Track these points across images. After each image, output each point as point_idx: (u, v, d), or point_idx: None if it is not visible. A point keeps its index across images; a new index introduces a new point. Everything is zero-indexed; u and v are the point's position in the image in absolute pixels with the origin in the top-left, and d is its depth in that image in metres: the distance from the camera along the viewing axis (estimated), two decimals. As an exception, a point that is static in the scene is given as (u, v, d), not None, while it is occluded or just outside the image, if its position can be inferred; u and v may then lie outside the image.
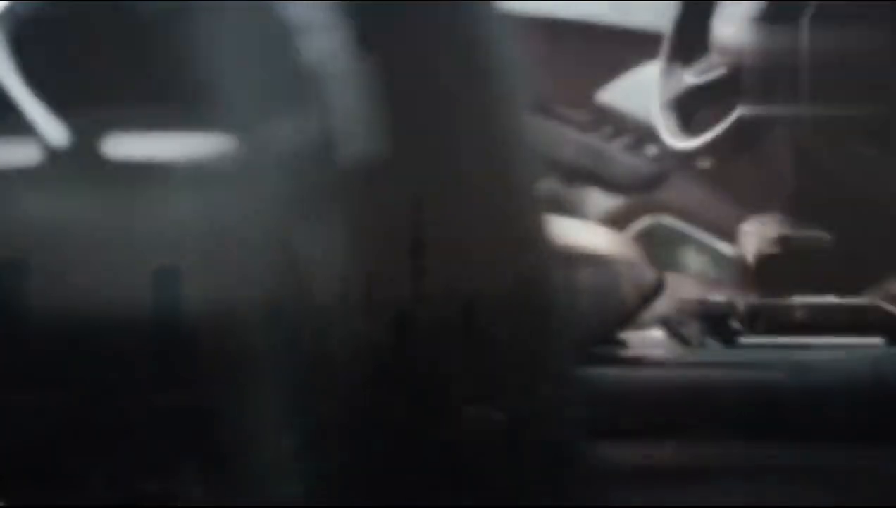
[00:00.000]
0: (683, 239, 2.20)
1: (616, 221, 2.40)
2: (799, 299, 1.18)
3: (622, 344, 1.04)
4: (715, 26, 1.48)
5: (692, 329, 1.09)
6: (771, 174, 2.13)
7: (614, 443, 1.01)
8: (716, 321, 1.13)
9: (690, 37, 1.57)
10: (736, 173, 2.20)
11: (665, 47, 1.58)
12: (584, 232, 1.08)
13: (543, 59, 2.58)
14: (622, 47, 2.37)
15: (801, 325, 1.14)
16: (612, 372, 1.01)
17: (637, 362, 1.02)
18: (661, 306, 1.16)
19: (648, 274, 1.01)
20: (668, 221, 2.28)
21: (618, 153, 2.40)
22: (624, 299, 1.00)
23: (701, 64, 1.54)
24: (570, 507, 1.01)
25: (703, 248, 2.11)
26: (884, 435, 1.02)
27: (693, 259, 2.19)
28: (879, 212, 2.00)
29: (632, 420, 1.01)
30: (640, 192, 2.35)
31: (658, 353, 1.04)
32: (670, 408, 1.01)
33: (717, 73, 1.51)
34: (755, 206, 2.15)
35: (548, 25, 2.55)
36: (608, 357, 1.02)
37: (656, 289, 1.02)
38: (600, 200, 2.50)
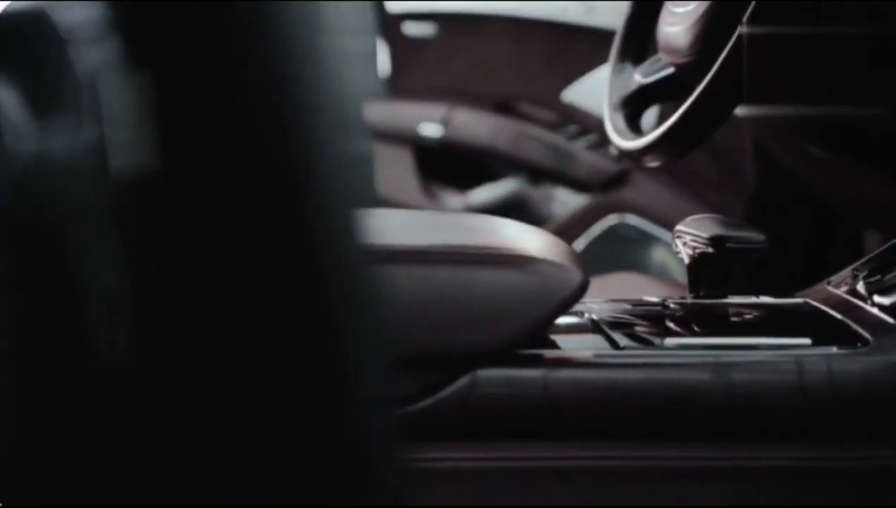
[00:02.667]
0: (647, 238, 2.20)
1: (581, 220, 2.41)
2: (732, 299, 1.18)
3: (548, 345, 1.04)
4: (661, 26, 1.48)
5: (621, 330, 1.09)
6: (733, 174, 2.14)
7: (540, 444, 1.02)
8: (648, 321, 1.13)
9: (639, 36, 1.57)
10: (700, 172, 2.21)
11: (615, 47, 1.58)
12: (512, 232, 1.08)
13: (510, 58, 2.59)
14: (587, 47, 2.38)
15: (733, 325, 1.14)
16: (536, 373, 1.00)
17: (561, 363, 1.02)
18: (594, 306, 1.16)
19: (574, 275, 1.01)
20: (634, 220, 2.29)
21: (582, 152, 2.41)
22: (547, 300, 1.00)
23: (649, 64, 1.53)
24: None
25: (666, 247, 2.12)
26: (807, 435, 1.02)
27: (656, 258, 2.20)
28: (825, 212, 2.00)
29: (554, 422, 1.01)
30: (604, 191, 2.36)
31: (584, 354, 1.04)
32: (593, 409, 1.01)
33: (665, 72, 1.51)
34: (719, 204, 2.15)
35: (513, 25, 2.56)
36: (532, 358, 1.01)
37: (580, 291, 1.01)
38: (568, 198, 2.51)
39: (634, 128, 1.50)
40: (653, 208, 2.21)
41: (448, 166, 2.72)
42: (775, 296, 1.22)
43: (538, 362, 1.01)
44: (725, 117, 1.34)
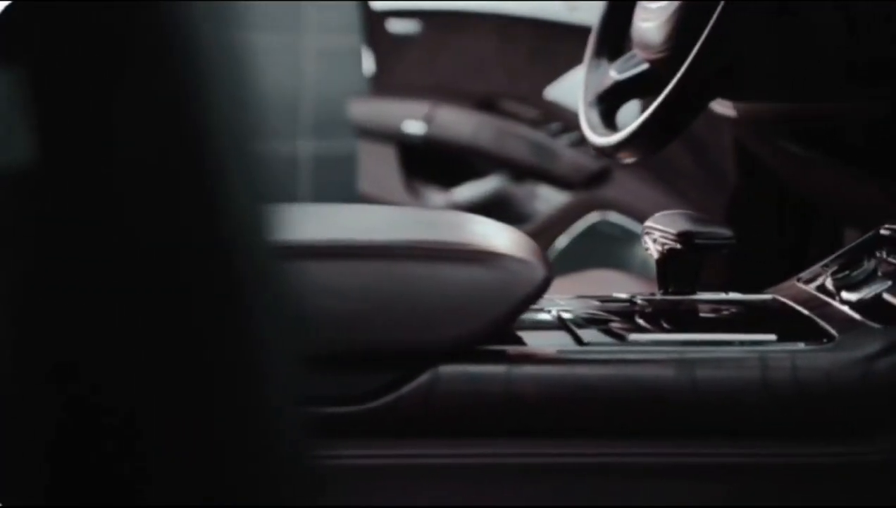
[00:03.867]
0: (629, 236, 2.20)
1: (563, 217, 2.41)
2: (700, 296, 1.18)
3: (512, 341, 1.04)
4: (636, 22, 1.48)
5: (587, 326, 1.09)
6: (714, 171, 2.13)
7: (502, 441, 1.01)
8: (615, 318, 1.13)
9: (615, 33, 1.57)
10: (681, 170, 2.21)
11: (591, 43, 1.58)
12: (476, 228, 1.08)
13: (494, 56, 2.59)
14: (571, 44, 2.37)
15: (700, 321, 1.14)
16: (498, 369, 1.00)
17: (524, 359, 1.02)
18: (562, 303, 1.16)
19: (537, 271, 1.00)
20: (616, 217, 2.28)
21: (564, 150, 2.40)
22: (509, 296, 1.00)
23: (624, 60, 1.53)
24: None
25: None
26: (771, 431, 1.02)
27: (638, 256, 2.19)
28: (805, 209, 2.00)
29: (516, 418, 1.00)
30: (586, 188, 2.36)
31: (547, 350, 1.03)
32: (556, 406, 1.01)
33: (640, 68, 1.51)
34: (700, 201, 2.15)
35: (498, 22, 2.55)
36: (494, 354, 1.01)
37: (543, 287, 1.01)
38: (551, 196, 2.50)
39: (609, 124, 1.49)
40: (634, 206, 2.20)
41: (432, 164, 2.71)
42: (748, 292, 1.21)
43: (500, 358, 1.01)
44: (698, 113, 1.33)
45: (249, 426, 0.39)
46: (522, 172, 2.54)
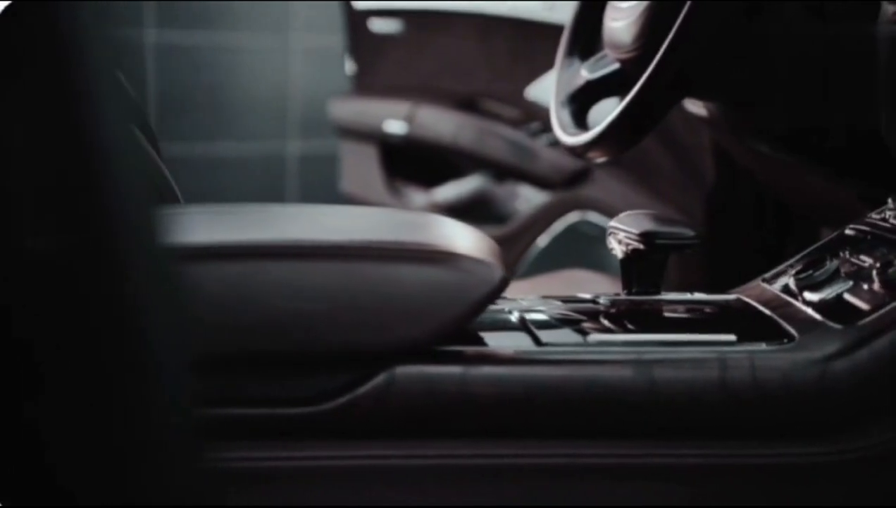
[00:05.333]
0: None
1: (543, 217, 2.40)
2: (664, 296, 1.17)
3: (470, 342, 1.03)
4: (606, 21, 1.47)
5: (547, 327, 1.08)
6: (693, 171, 2.13)
7: (458, 442, 1.00)
8: (576, 318, 1.12)
9: (587, 32, 1.56)
10: (660, 170, 2.20)
11: (563, 43, 1.57)
12: (434, 228, 1.07)
13: (475, 55, 2.58)
14: (551, 44, 2.37)
15: (662, 321, 1.13)
16: (454, 370, 0.99)
17: (481, 359, 1.01)
18: (525, 303, 1.15)
19: (494, 272, 1.00)
20: (595, 217, 2.28)
21: (543, 149, 2.40)
22: (466, 297, 0.99)
23: (596, 59, 1.53)
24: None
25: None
26: (729, 431, 1.01)
27: (617, 256, 2.18)
28: (783, 209, 1.99)
29: (473, 419, 1.00)
30: (565, 188, 2.35)
31: (504, 351, 1.03)
32: (512, 406, 1.00)
33: (611, 68, 1.50)
34: (679, 202, 2.15)
35: (479, 22, 2.55)
36: (451, 355, 1.00)
37: (500, 287, 1.00)
38: (532, 195, 2.50)
39: (581, 123, 1.49)
40: (614, 206, 2.19)
41: (413, 164, 2.71)
42: (726, 292, 1.21)
43: (457, 358, 1.00)
44: (666, 112, 1.33)
45: (139, 425, 0.39)
46: (502, 171, 2.54)
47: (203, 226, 1.04)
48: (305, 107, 3.84)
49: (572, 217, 2.33)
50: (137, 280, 0.39)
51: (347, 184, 2.85)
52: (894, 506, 1.01)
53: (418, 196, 2.69)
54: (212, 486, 0.41)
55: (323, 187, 3.50)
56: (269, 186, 3.87)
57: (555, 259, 2.26)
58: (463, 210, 2.58)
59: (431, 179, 2.71)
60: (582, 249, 2.24)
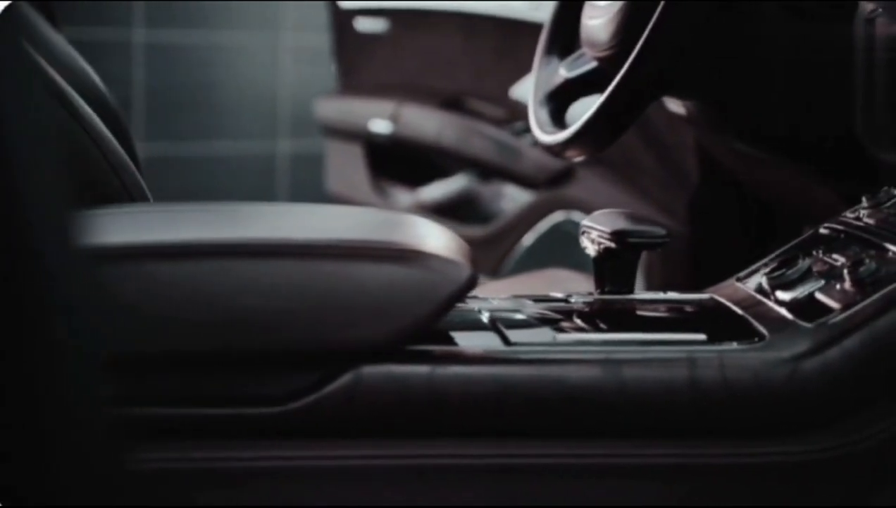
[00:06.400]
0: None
1: (528, 216, 2.40)
2: (637, 295, 1.17)
3: (439, 341, 1.02)
4: (584, 20, 1.47)
5: (517, 326, 1.07)
6: (677, 170, 2.12)
7: (425, 442, 1.00)
8: (547, 318, 1.12)
9: (566, 31, 1.56)
10: (644, 169, 2.20)
11: (541, 42, 1.57)
12: (403, 227, 1.06)
13: (460, 54, 2.58)
14: (536, 43, 2.36)
15: (633, 320, 1.13)
16: (422, 370, 0.99)
17: (448, 359, 1.00)
18: (496, 303, 1.15)
19: (461, 271, 0.99)
20: (580, 217, 2.27)
21: (527, 149, 2.39)
22: (432, 296, 0.99)
23: (574, 58, 1.52)
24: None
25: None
26: (698, 431, 1.01)
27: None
28: (765, 207, 1.99)
29: (440, 419, 0.99)
30: (549, 187, 2.34)
31: (472, 350, 1.02)
32: (480, 406, 0.99)
33: (588, 66, 1.50)
34: (662, 201, 2.14)
35: (464, 20, 2.54)
36: (418, 354, 1.00)
37: (467, 286, 1.00)
38: (517, 195, 2.49)
39: (559, 122, 1.48)
40: (598, 205, 2.18)
41: (399, 163, 2.70)
42: (679, 292, 1.20)
43: (425, 358, 0.99)
44: (642, 110, 1.33)
45: (53, 424, 0.39)
46: (487, 171, 2.53)
47: (169, 224, 1.03)
48: (295, 106, 3.84)
49: (557, 216, 2.32)
50: (50, 281, 0.38)
51: (333, 184, 2.84)
52: (863, 504, 1.01)
53: (404, 196, 2.69)
54: (132, 485, 0.41)
55: (313, 187, 3.49)
56: (259, 186, 3.87)
57: (540, 259, 2.25)
58: (448, 210, 2.57)
59: (417, 178, 2.71)
60: (566, 248, 2.23)
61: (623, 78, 1.29)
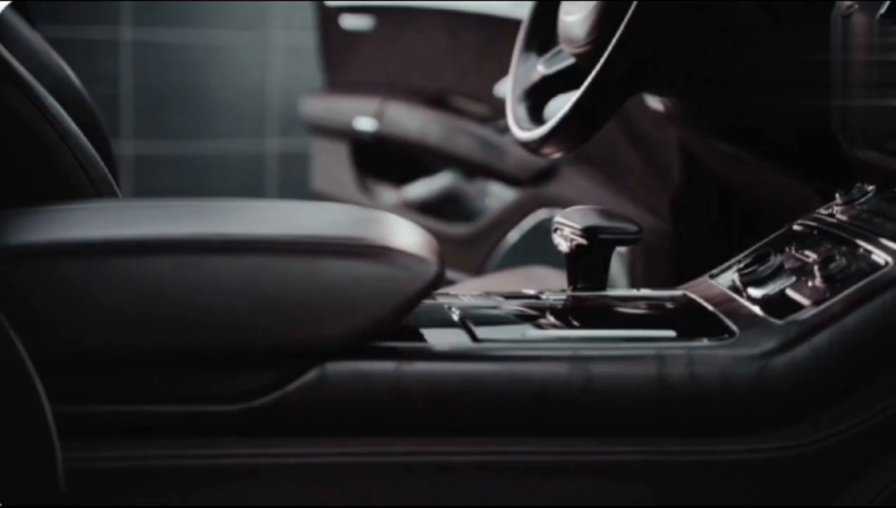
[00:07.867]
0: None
1: (512, 214, 2.39)
2: (609, 292, 1.16)
3: (406, 338, 1.02)
4: (561, 16, 1.46)
5: (486, 323, 1.07)
6: (660, 168, 2.12)
7: (390, 440, 0.99)
8: (517, 315, 1.11)
9: (544, 28, 1.55)
10: (627, 167, 2.19)
11: (520, 38, 1.56)
12: (371, 223, 1.06)
13: (444, 52, 2.57)
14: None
15: (604, 317, 1.12)
16: (387, 366, 0.98)
17: (414, 355, 1.00)
18: (466, 300, 1.14)
19: (428, 267, 0.99)
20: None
21: (511, 146, 2.38)
22: (398, 292, 0.98)
23: (551, 55, 1.52)
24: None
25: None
26: (666, 428, 1.00)
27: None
28: (747, 205, 1.99)
29: (405, 416, 0.99)
30: (533, 185, 2.34)
31: (438, 347, 1.01)
32: (446, 403, 0.99)
33: (566, 63, 1.49)
34: (646, 199, 2.14)
35: (448, 18, 2.54)
36: (384, 351, 0.99)
37: (434, 283, 0.99)
38: (502, 193, 2.49)
39: (537, 118, 1.47)
40: (582, 203, 2.18)
41: (384, 161, 2.70)
42: (652, 288, 1.20)
43: (390, 354, 0.99)
44: (617, 107, 1.32)
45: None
46: (471, 168, 2.53)
47: (132, 220, 1.02)
48: (284, 104, 3.83)
49: (541, 214, 2.32)
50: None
51: (319, 182, 2.84)
52: (832, 502, 1.00)
53: (389, 194, 2.68)
54: (66, 484, 0.40)
55: (302, 185, 3.48)
56: (248, 184, 3.86)
57: (524, 256, 2.25)
58: (433, 208, 2.57)
59: (402, 176, 2.70)
60: (550, 246, 2.22)
61: (597, 75, 1.29)
